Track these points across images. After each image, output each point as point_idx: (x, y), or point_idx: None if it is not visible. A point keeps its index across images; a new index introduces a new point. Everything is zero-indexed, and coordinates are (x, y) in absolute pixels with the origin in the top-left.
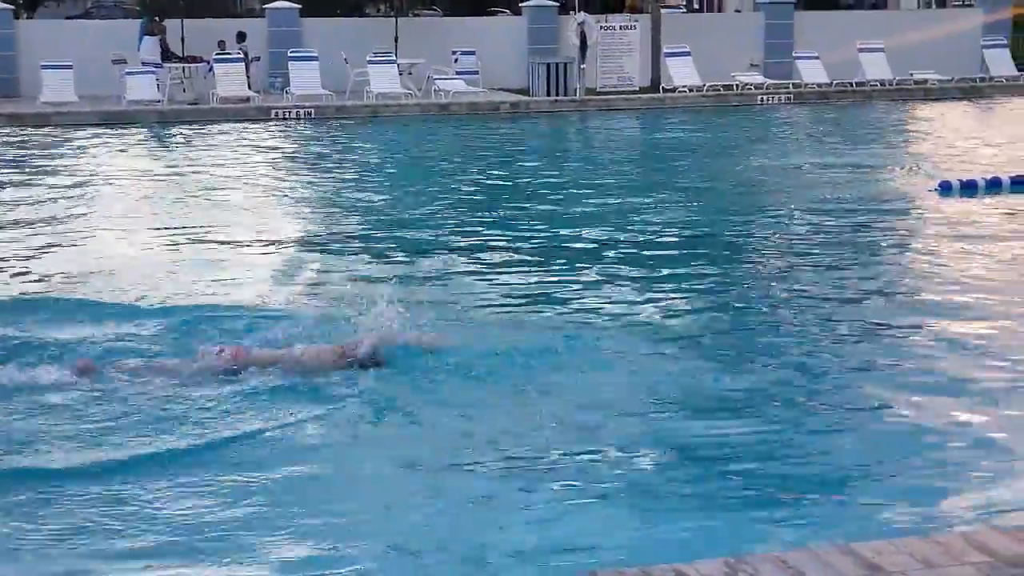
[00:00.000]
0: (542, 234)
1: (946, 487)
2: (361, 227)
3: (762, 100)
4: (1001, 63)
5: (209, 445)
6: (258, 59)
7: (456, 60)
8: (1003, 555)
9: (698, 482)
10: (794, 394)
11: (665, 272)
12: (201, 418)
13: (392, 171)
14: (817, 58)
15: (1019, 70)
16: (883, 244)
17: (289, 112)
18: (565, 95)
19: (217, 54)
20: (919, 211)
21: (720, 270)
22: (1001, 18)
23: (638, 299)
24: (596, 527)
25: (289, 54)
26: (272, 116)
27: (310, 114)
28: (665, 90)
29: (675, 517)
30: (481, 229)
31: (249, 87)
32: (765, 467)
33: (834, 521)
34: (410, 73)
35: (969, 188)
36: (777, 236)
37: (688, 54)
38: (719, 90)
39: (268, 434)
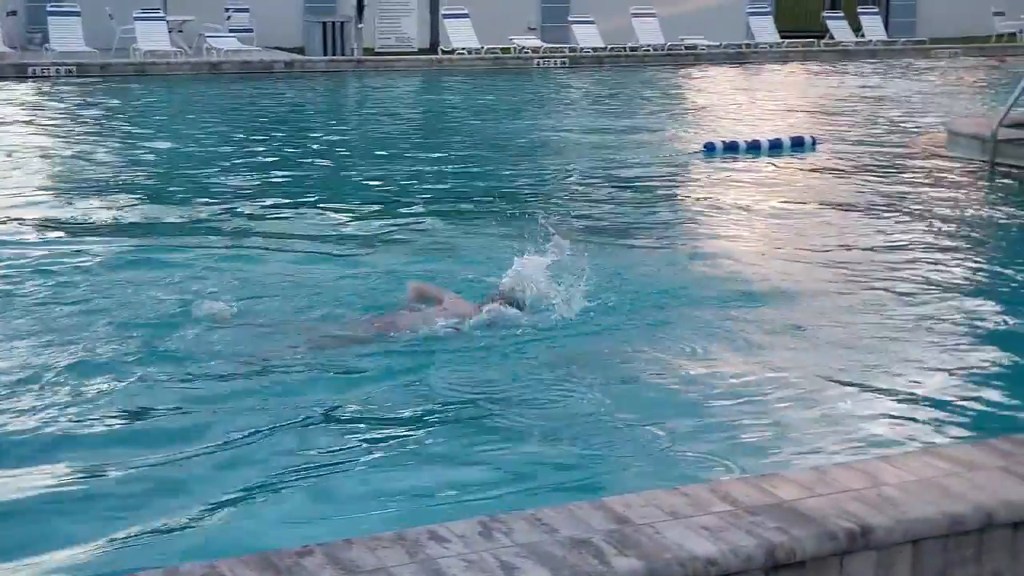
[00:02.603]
0: (308, 203)
1: (697, 440)
2: (118, 188)
3: (539, 64)
4: (765, 30)
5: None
6: (14, 13)
7: (229, 17)
8: (744, 503)
9: (451, 443)
10: (548, 352)
11: (436, 236)
12: None
13: (150, 131)
14: (593, 23)
15: (782, 36)
16: (650, 201)
17: (48, 70)
18: (342, 55)
19: None
20: (684, 170)
21: (489, 231)
22: None
23: (417, 259)
24: (348, 491)
25: (48, 8)
26: (30, 74)
27: (71, 72)
28: (443, 52)
29: (428, 479)
30: (241, 196)
31: (4, 42)
32: (518, 426)
33: (587, 478)
34: (180, 31)
35: (731, 149)
36: (549, 197)
37: (467, 16)
38: (497, 53)
39: None
